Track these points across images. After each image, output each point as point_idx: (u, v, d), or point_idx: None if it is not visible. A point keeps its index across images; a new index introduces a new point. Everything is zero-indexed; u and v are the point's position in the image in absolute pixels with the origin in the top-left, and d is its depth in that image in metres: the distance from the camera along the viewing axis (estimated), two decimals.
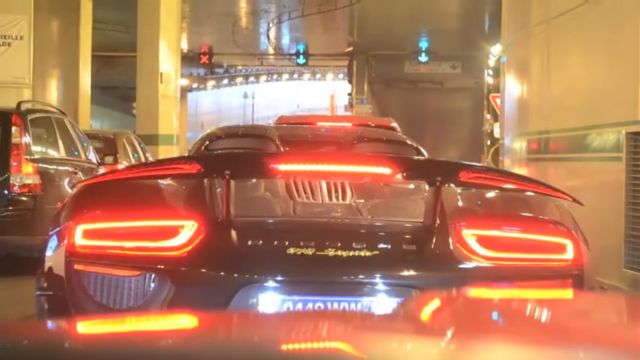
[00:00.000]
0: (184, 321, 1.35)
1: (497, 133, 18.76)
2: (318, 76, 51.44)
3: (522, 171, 10.01)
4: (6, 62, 14.08)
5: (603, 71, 7.56)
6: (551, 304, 1.59)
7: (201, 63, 37.21)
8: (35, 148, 8.49)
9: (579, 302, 1.78)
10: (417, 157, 4.75)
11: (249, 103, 53.80)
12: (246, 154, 4.54)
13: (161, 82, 20.72)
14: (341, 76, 46.12)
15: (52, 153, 9.12)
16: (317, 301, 3.23)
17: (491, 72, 30.45)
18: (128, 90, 29.57)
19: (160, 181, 3.73)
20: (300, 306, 3.24)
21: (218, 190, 3.58)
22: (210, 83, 51.88)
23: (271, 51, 38.12)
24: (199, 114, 52.11)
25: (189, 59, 35.17)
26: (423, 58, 33.76)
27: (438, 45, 33.38)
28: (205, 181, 3.65)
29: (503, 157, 11.44)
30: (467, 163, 3.69)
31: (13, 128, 8.26)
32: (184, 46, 31.92)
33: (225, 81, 52.79)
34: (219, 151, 4.91)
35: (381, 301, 3.23)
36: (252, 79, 53.05)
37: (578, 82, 8.25)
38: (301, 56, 35.12)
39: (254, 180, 4.05)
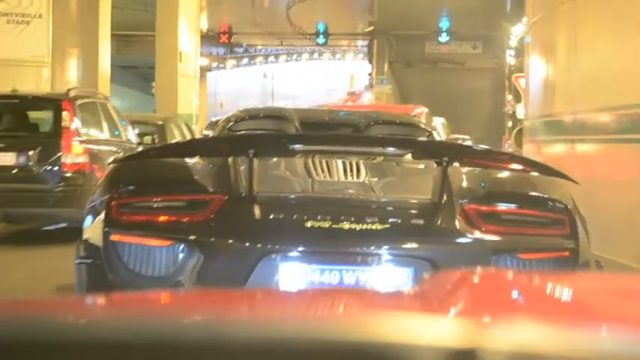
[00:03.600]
0: (197, 299, 1.35)
1: (520, 114, 18.57)
2: (337, 56, 51.24)
3: (547, 152, 9.85)
4: (25, 41, 14.03)
5: (634, 49, 7.37)
6: (571, 282, 1.57)
7: (220, 42, 37.06)
8: (83, 131, 9.48)
9: (599, 281, 1.75)
10: (426, 139, 5.08)
11: (268, 83, 53.70)
12: (268, 134, 4.85)
13: (180, 61, 20.62)
14: (361, 56, 45.90)
15: (98, 134, 10.05)
16: (333, 270, 3.51)
17: (512, 52, 30.18)
18: (148, 69, 29.51)
19: (188, 159, 4.01)
20: (317, 274, 3.52)
21: (242, 168, 3.83)
22: (230, 63, 51.74)
23: (291, 31, 37.91)
24: (218, 94, 52.04)
25: (208, 38, 35.03)
26: (444, 38, 33.49)
27: (458, 25, 33.14)
28: (230, 159, 3.92)
29: (527, 138, 11.26)
30: (472, 145, 3.96)
31: (64, 113, 9.26)
32: (204, 25, 31.76)
33: (245, 61, 52.65)
34: (242, 132, 5.20)
35: (391, 271, 3.52)
36: (271, 58, 52.90)
37: (607, 61, 8.06)
38: (321, 36, 34.88)
39: (275, 159, 4.29)
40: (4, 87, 11.89)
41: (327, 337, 0.92)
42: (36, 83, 14.03)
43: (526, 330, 0.95)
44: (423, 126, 5.53)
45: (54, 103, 9.48)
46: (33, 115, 10.20)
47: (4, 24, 14.22)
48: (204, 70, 39.33)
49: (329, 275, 3.52)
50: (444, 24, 33.26)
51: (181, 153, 4.16)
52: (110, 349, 0.91)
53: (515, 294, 1.38)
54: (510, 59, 30.66)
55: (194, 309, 1.13)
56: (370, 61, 37.49)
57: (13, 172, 9.06)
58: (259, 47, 48.85)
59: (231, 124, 5.38)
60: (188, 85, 21.44)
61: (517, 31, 26.82)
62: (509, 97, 29.05)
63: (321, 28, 34.65)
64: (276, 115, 5.45)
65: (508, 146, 19.74)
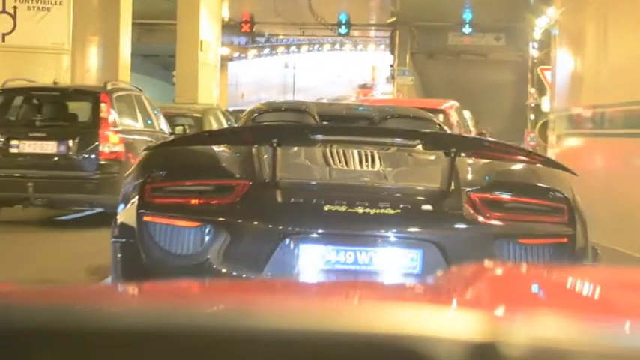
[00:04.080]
0: (218, 289, 1.38)
1: (545, 107, 18.38)
2: (359, 46, 51.12)
3: (573, 145, 9.72)
4: (45, 28, 13.99)
5: None
6: (589, 276, 1.56)
7: (242, 32, 36.99)
8: (119, 121, 10.13)
9: (617, 274, 1.72)
10: (436, 132, 5.39)
11: (289, 73, 53.63)
12: (291, 125, 5.19)
13: (201, 50, 20.57)
14: (383, 47, 45.71)
15: (133, 124, 10.66)
16: (348, 251, 3.84)
17: (536, 45, 29.92)
18: (169, 58, 29.51)
19: (216, 147, 4.35)
20: (333, 254, 3.84)
21: (265, 156, 4.15)
22: (251, 53, 51.74)
23: (313, 21, 37.79)
24: (240, 84, 52.00)
25: (230, 28, 34.94)
26: (467, 29, 33.25)
27: (481, 16, 32.92)
28: (255, 148, 4.22)
29: (552, 131, 11.10)
30: (478, 137, 4.09)
31: (102, 105, 9.93)
32: (225, 14, 31.69)
33: (267, 51, 52.65)
34: (266, 123, 5.51)
35: (402, 252, 3.85)
36: (293, 49, 52.86)
37: (636, 54, 7.92)
38: (343, 26, 34.73)
39: (296, 148, 4.59)
40: (24, 74, 11.89)
41: (344, 328, 0.92)
42: (56, 71, 13.99)
43: (546, 323, 0.94)
44: (435, 120, 5.81)
45: (93, 95, 10.15)
46: (73, 106, 10.73)
47: (24, 11, 14.19)
48: (225, 60, 39.27)
49: (344, 255, 3.84)
50: (467, 15, 33.03)
51: (210, 141, 4.52)
52: (136, 336, 0.94)
53: (534, 287, 1.37)
54: (534, 51, 30.40)
55: (217, 299, 1.15)
56: (392, 52, 37.28)
57: (55, 160, 9.74)
58: (281, 37, 48.79)
59: (255, 115, 5.72)
60: (209, 75, 21.41)
61: (541, 23, 26.55)
62: (532, 90, 28.82)
63: (343, 18, 34.50)
64: (296, 108, 5.80)
65: (530, 139, 19.54)
